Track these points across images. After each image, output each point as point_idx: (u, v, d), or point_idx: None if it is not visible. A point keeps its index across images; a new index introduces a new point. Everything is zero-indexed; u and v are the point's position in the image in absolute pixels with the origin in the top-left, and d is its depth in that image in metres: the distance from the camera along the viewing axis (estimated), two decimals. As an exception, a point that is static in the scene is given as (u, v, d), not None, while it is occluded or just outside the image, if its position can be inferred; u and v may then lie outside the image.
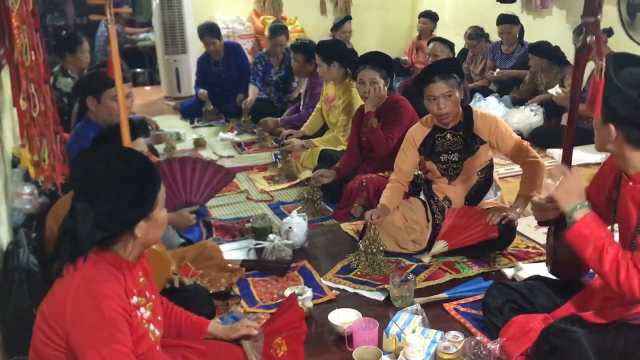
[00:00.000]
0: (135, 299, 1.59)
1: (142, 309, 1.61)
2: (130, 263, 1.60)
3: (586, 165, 4.21)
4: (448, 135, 2.94)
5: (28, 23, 2.03)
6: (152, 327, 1.64)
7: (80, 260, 1.50)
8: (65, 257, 1.52)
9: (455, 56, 5.66)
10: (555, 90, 4.70)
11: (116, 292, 1.50)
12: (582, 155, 4.15)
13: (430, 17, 6.73)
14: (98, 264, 1.52)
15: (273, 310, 2.49)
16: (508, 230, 2.81)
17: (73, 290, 1.46)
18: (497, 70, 5.87)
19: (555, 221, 2.16)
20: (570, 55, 4.99)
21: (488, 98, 5.45)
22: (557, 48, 5.08)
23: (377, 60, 3.52)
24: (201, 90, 5.94)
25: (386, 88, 3.49)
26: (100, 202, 1.49)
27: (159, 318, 1.72)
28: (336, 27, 6.30)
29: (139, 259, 1.66)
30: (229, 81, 5.97)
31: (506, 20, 5.79)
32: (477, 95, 5.55)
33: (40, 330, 1.51)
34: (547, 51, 5.05)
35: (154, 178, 1.58)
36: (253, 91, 5.65)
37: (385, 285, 2.61)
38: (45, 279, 2.12)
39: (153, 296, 1.71)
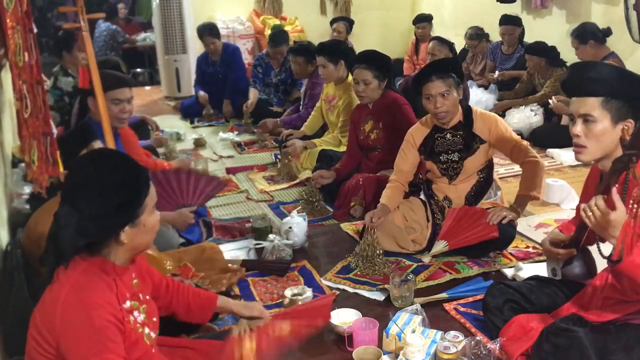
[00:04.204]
0: (128, 304, 1.56)
1: (135, 313, 1.59)
2: (121, 268, 1.57)
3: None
4: (448, 135, 2.94)
5: (22, 24, 2.02)
6: (146, 330, 1.62)
7: (69, 267, 1.47)
8: (50, 263, 1.48)
9: (456, 56, 5.64)
10: (552, 100, 4.71)
11: (107, 300, 1.47)
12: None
13: (427, 21, 6.67)
14: (88, 271, 1.49)
15: (273, 310, 2.49)
16: (508, 230, 2.81)
17: (62, 299, 1.43)
18: (497, 72, 5.87)
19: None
20: (569, 55, 4.99)
21: (473, 89, 5.52)
22: (552, 48, 5.07)
23: (371, 59, 3.51)
24: (201, 94, 5.96)
25: (381, 88, 3.50)
26: (84, 207, 1.46)
27: (155, 319, 1.70)
28: (332, 24, 6.54)
29: (131, 262, 1.63)
30: (227, 81, 5.98)
31: (509, 22, 5.78)
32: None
33: (33, 338, 1.48)
34: (544, 50, 5.04)
35: (140, 184, 1.54)
36: (254, 94, 5.65)
37: (385, 285, 2.61)
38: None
39: (147, 297, 1.69)
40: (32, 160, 2.09)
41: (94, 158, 1.61)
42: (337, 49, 4.21)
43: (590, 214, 1.73)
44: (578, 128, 1.87)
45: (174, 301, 1.85)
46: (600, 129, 1.83)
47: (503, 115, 5.01)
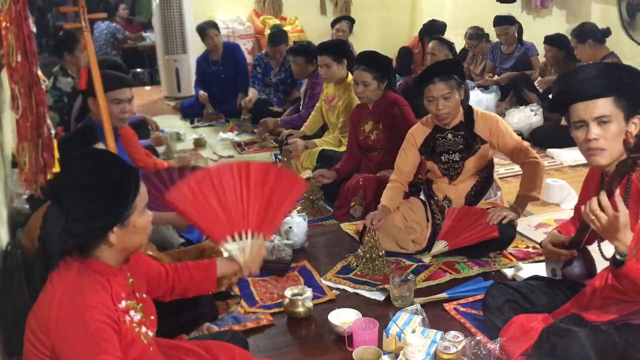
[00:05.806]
0: (123, 304, 1.55)
1: (132, 312, 1.57)
2: (114, 268, 1.55)
3: (585, 165, 4.20)
4: (449, 135, 2.94)
5: (17, 24, 2.00)
6: (143, 329, 1.60)
7: (62, 268, 1.46)
8: (40, 265, 1.48)
9: (456, 56, 5.63)
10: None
11: (100, 301, 1.46)
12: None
13: (429, 35, 6.36)
14: (80, 272, 1.48)
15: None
16: (508, 230, 2.81)
17: (56, 301, 1.42)
18: (496, 75, 5.85)
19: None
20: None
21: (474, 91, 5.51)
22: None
23: (371, 61, 3.50)
24: (201, 93, 5.96)
25: (380, 89, 3.49)
26: (71, 208, 1.44)
27: (152, 317, 1.69)
28: (333, 24, 6.50)
29: (125, 262, 1.61)
30: (228, 81, 5.98)
31: (502, 21, 5.78)
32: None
33: (29, 341, 1.47)
34: (564, 43, 4.97)
35: (129, 185, 1.51)
36: (253, 93, 5.68)
37: (385, 285, 2.61)
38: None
39: (144, 295, 1.68)
40: (24, 162, 2.07)
41: (82, 159, 1.57)
42: (342, 49, 4.24)
43: (593, 218, 1.71)
44: (596, 131, 1.81)
45: (176, 285, 1.84)
46: (617, 128, 1.80)
47: (503, 115, 5.01)
